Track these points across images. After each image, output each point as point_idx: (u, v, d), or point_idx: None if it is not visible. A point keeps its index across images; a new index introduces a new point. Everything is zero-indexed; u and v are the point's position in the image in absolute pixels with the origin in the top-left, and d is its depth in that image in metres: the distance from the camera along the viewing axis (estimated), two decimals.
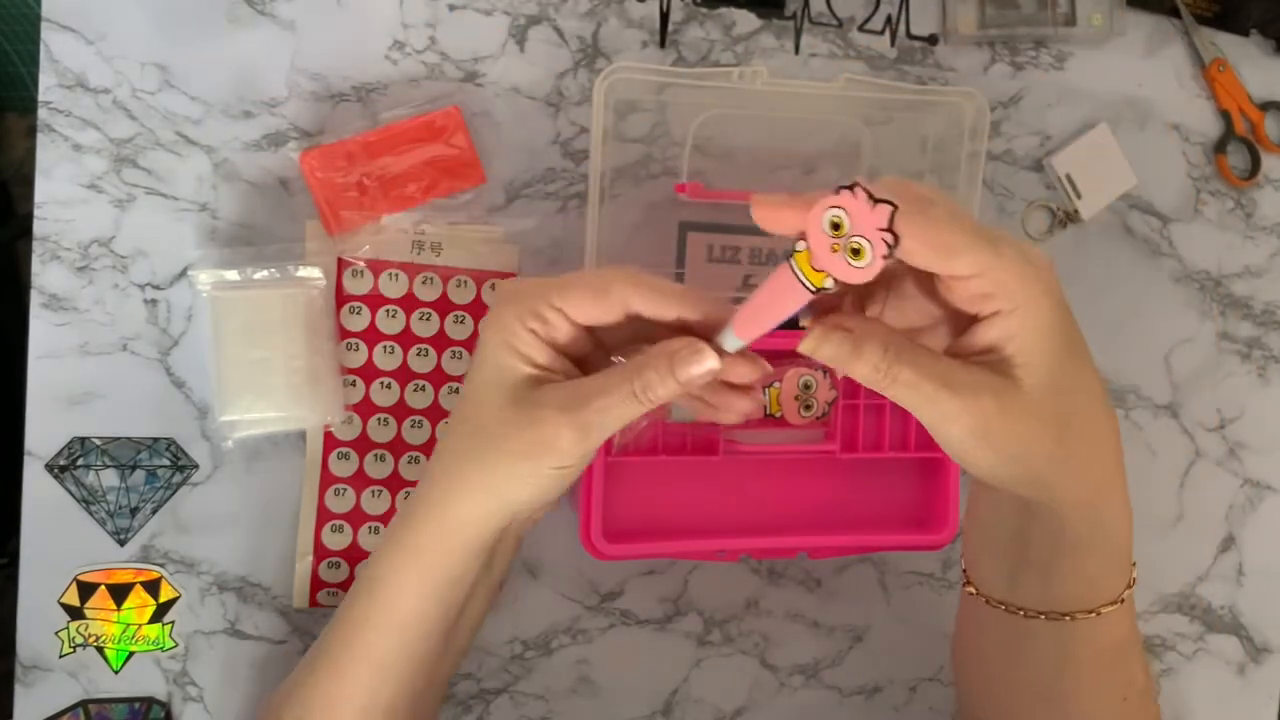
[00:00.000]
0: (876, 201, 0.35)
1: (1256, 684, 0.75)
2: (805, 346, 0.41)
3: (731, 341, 0.42)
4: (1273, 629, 0.75)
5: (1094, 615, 0.48)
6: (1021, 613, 0.49)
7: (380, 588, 0.48)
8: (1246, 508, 0.74)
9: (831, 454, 0.61)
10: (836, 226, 0.36)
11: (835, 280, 0.37)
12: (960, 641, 0.58)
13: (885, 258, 0.36)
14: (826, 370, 0.59)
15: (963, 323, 0.42)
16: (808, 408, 0.59)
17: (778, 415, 0.58)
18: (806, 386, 0.59)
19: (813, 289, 0.38)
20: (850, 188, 0.36)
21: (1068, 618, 0.48)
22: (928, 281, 0.41)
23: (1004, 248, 0.38)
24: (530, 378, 0.44)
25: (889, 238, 0.36)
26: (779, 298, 0.39)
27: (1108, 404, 0.44)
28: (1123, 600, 0.48)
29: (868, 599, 0.68)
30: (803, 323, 0.41)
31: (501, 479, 0.44)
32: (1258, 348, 0.74)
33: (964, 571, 0.53)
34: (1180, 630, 0.74)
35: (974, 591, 0.52)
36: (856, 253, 0.36)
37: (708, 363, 0.41)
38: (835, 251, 0.37)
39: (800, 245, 0.37)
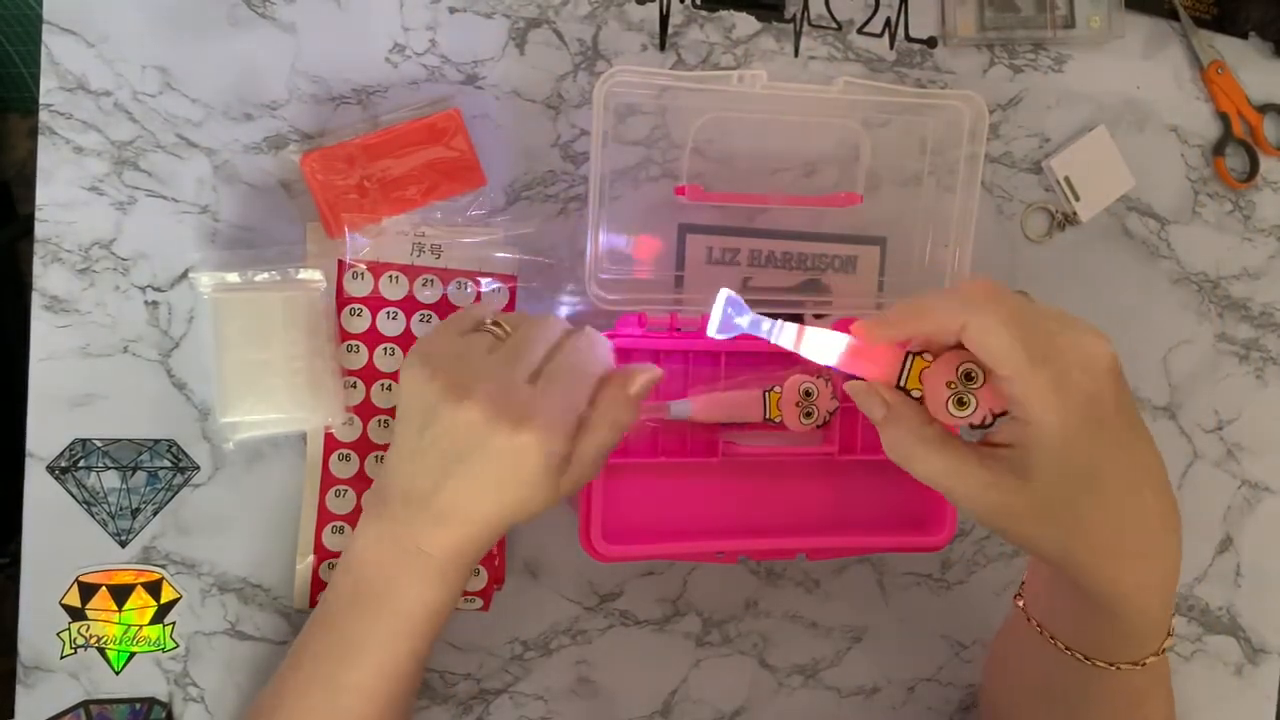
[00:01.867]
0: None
1: (1254, 685, 0.75)
2: (850, 386, 0.46)
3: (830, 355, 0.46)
4: (1270, 630, 0.75)
5: (1114, 668, 0.49)
6: (1054, 641, 0.51)
7: (372, 647, 0.50)
8: (1244, 509, 0.75)
9: (830, 455, 0.61)
10: (969, 377, 0.43)
11: (923, 398, 0.44)
12: (1000, 645, 0.59)
13: (974, 426, 0.42)
14: (829, 378, 0.59)
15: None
16: (808, 415, 0.59)
17: (777, 421, 0.58)
18: (807, 394, 0.58)
19: (903, 385, 0.44)
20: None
21: (1089, 661, 0.49)
22: None
23: (1041, 371, 0.41)
24: None
25: (989, 419, 0.42)
26: (859, 359, 0.45)
27: (1145, 499, 0.44)
28: (1144, 664, 0.48)
29: (866, 600, 0.69)
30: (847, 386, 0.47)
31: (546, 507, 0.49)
32: (1255, 349, 0.74)
33: (1023, 582, 0.55)
34: (1178, 631, 0.74)
35: (1022, 605, 0.54)
36: (961, 403, 0.43)
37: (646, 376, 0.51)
38: (948, 387, 0.43)
39: (927, 356, 0.44)
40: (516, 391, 0.46)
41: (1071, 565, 0.45)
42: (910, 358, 0.44)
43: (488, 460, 0.46)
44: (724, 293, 0.47)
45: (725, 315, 0.47)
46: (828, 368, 0.59)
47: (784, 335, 0.46)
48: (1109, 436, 0.42)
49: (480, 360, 0.48)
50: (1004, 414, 0.43)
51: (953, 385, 0.43)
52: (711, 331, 0.47)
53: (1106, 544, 0.44)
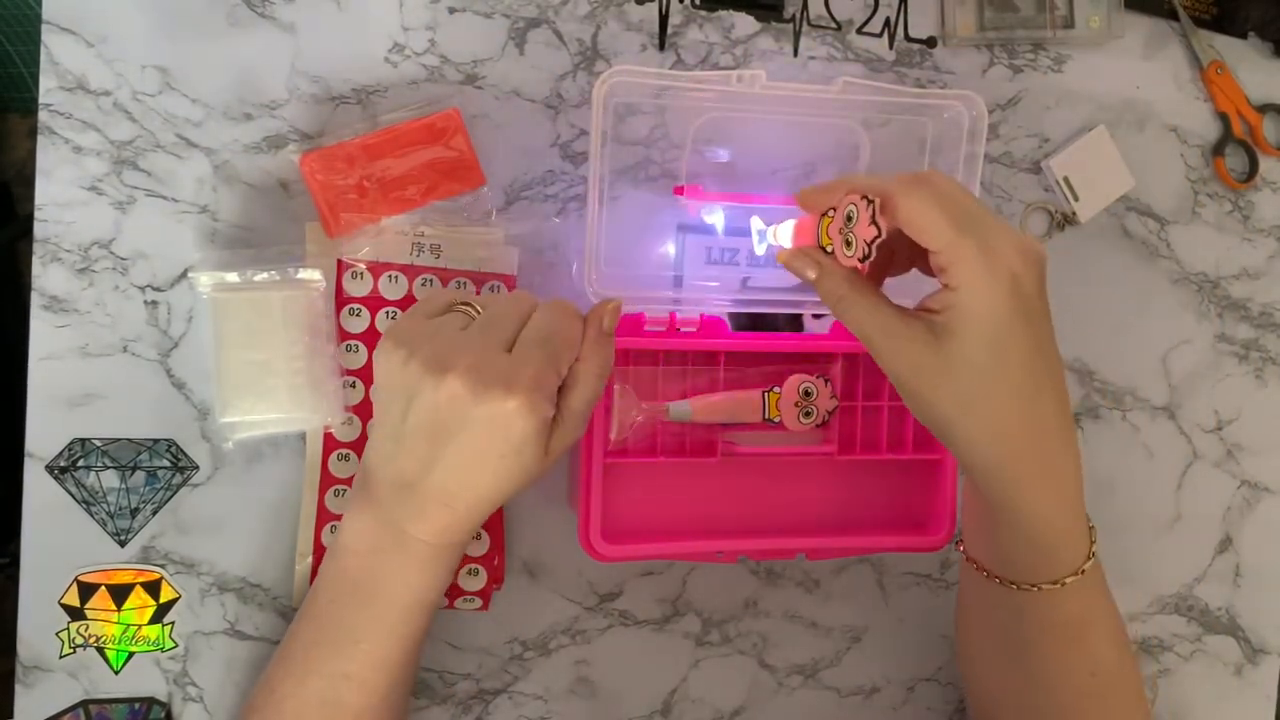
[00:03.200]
0: (874, 223, 0.45)
1: (1254, 685, 0.75)
2: (781, 255, 0.51)
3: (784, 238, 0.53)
4: (1270, 630, 0.75)
5: (1035, 589, 0.50)
6: (984, 572, 0.51)
7: (371, 636, 0.50)
8: (1244, 509, 0.75)
9: (829, 455, 0.61)
10: (849, 218, 0.47)
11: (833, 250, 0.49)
12: (959, 598, 0.61)
13: (860, 260, 0.46)
14: (828, 378, 0.59)
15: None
16: (807, 414, 0.59)
17: (776, 421, 0.58)
18: (807, 394, 0.59)
19: (820, 244, 0.49)
20: (871, 200, 0.45)
21: (1014, 586, 0.50)
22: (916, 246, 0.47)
23: (967, 237, 0.43)
24: None
25: (866, 250, 0.46)
26: (800, 234, 0.51)
27: (1044, 404, 0.46)
28: (1062, 584, 0.49)
29: (866, 600, 0.69)
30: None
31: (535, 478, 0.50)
32: (1255, 349, 0.74)
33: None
34: (1178, 631, 0.74)
35: (959, 544, 0.55)
36: (848, 244, 0.47)
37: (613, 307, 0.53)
38: (840, 234, 0.48)
39: (830, 212, 0.49)
40: (497, 360, 0.46)
41: (965, 445, 0.46)
42: (820, 218, 0.49)
43: (476, 432, 0.46)
44: (754, 219, 0.55)
45: (757, 237, 0.55)
46: (826, 367, 0.59)
47: (770, 234, 0.54)
48: (1025, 324, 0.44)
49: (456, 336, 0.48)
50: (876, 240, 0.45)
51: (843, 231, 0.47)
52: (759, 251, 0.55)
53: (1003, 430, 0.45)
